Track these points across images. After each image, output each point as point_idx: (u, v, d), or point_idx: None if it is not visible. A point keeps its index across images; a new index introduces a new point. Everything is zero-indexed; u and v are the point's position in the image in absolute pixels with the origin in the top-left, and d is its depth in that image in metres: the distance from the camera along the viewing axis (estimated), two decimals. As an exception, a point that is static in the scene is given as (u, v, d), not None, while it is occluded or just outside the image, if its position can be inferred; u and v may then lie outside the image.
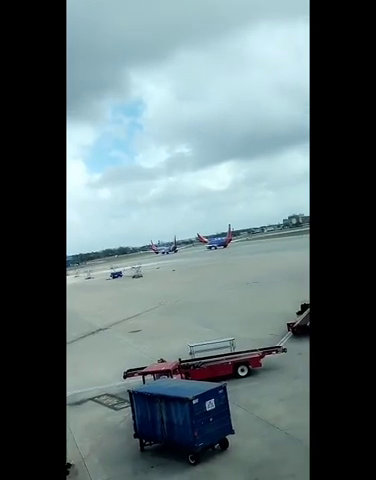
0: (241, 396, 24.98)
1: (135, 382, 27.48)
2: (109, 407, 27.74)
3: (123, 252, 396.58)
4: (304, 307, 40.02)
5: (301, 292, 40.06)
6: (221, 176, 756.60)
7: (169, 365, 26.56)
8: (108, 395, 29.73)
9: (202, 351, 31.82)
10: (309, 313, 37.09)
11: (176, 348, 34.78)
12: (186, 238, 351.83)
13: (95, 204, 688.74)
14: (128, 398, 22.62)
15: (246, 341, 33.67)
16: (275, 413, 22.63)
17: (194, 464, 19.01)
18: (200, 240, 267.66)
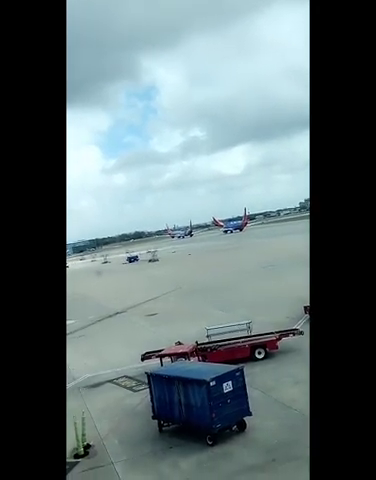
0: (258, 378, 25.14)
1: (153, 364, 27.75)
2: (127, 389, 28.08)
3: (139, 236, 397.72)
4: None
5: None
6: (235, 160, 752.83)
7: (186, 348, 26.77)
8: (126, 377, 30.08)
9: (219, 334, 32.00)
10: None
11: (193, 331, 34.97)
12: (202, 222, 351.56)
13: (110, 189, 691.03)
14: (146, 380, 22.88)
15: (263, 324, 33.72)
16: (292, 395, 22.74)
17: (212, 445, 19.25)
18: (216, 224, 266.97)
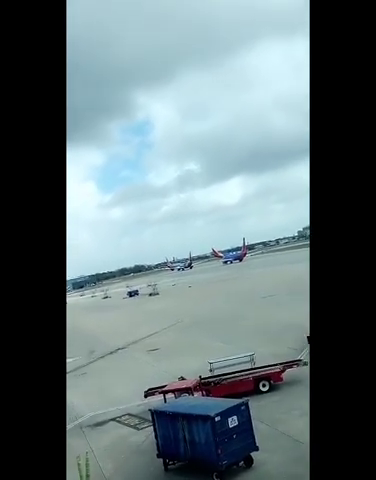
0: (264, 412, 24.73)
1: (156, 401, 27.34)
2: (131, 427, 27.60)
3: (138, 270, 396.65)
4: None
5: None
6: (231, 191, 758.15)
7: (189, 383, 26.43)
8: (130, 415, 29.61)
9: (222, 367, 31.60)
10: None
11: (196, 365, 34.58)
12: (201, 253, 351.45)
13: (108, 224, 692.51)
14: (150, 417, 22.52)
15: (266, 355, 33.40)
16: (299, 428, 22.30)
17: (219, 482, 18.81)
18: (215, 255, 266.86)
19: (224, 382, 29.25)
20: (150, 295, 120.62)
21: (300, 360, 31.10)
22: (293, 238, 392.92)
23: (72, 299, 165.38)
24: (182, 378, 29.51)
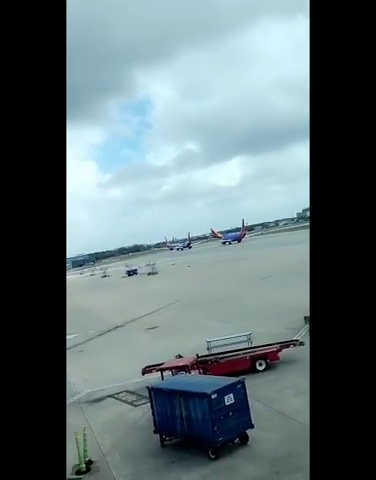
0: (260, 390, 24.99)
1: (153, 378, 27.60)
2: (128, 404, 27.89)
3: (137, 250, 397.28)
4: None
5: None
6: (231, 172, 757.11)
7: (187, 361, 26.64)
8: (127, 392, 29.90)
9: (219, 346, 31.88)
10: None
11: (193, 344, 34.84)
12: (200, 234, 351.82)
13: (107, 203, 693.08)
14: (147, 394, 22.75)
15: (263, 335, 33.63)
16: (294, 406, 22.60)
17: (214, 459, 19.09)
18: (214, 236, 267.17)
19: (221, 361, 29.48)
20: (149, 274, 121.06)
21: (297, 340, 31.31)
22: (292, 220, 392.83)
23: (71, 277, 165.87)
24: (179, 356, 29.75)
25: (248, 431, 20.13)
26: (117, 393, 30.08)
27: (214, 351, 31.35)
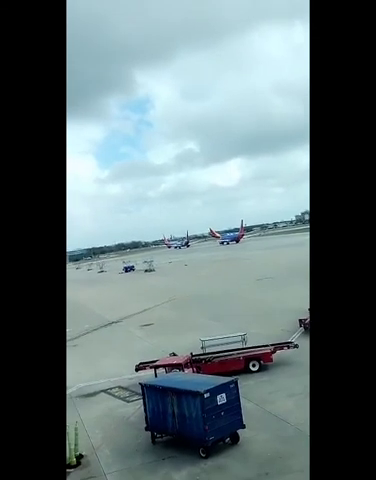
0: (252, 391, 25.07)
1: (147, 375, 27.65)
2: (121, 399, 27.95)
3: (135, 246, 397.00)
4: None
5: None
6: (229, 173, 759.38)
7: (181, 359, 26.69)
8: (120, 387, 29.96)
9: (214, 345, 31.95)
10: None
11: (188, 342, 34.91)
12: (199, 233, 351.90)
13: (106, 199, 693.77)
14: (140, 391, 22.80)
15: (258, 336, 33.70)
16: (285, 408, 22.69)
17: (205, 457, 19.14)
18: (212, 235, 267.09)
19: (215, 360, 29.55)
20: (146, 271, 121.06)
21: (291, 342, 31.42)
22: (291, 222, 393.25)
23: (68, 272, 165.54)
24: (174, 354, 29.82)
25: (239, 431, 20.19)
26: (110, 388, 30.13)
27: (208, 350, 31.41)
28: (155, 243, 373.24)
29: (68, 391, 30.21)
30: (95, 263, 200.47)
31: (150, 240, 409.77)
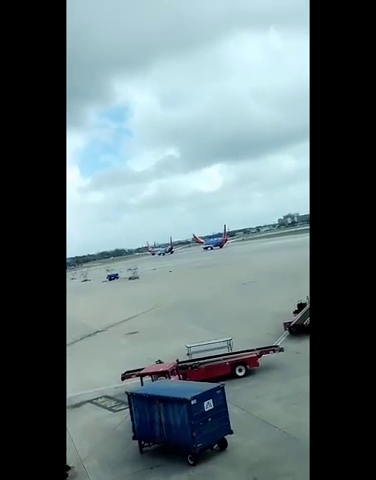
0: (239, 396, 25.01)
1: (133, 384, 27.47)
2: (107, 409, 27.74)
3: (119, 254, 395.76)
4: (300, 306, 40.16)
5: (297, 291, 40.27)
6: (211, 178, 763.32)
7: (167, 366, 26.56)
8: (106, 397, 29.72)
9: (199, 352, 31.86)
10: (305, 312, 37.23)
11: (173, 349, 34.78)
12: (182, 239, 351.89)
13: (88, 207, 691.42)
14: (126, 400, 22.62)
15: (243, 341, 33.69)
16: (273, 412, 22.68)
17: (193, 464, 19.03)
18: (196, 241, 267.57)
19: (201, 366, 29.47)
20: (130, 279, 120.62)
21: (276, 346, 31.49)
22: (274, 226, 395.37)
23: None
24: (159, 361, 29.65)
25: (227, 437, 20.12)
26: (96, 398, 29.89)
27: (194, 356, 31.32)
28: (139, 250, 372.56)
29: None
30: (79, 272, 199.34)
31: (134, 247, 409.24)
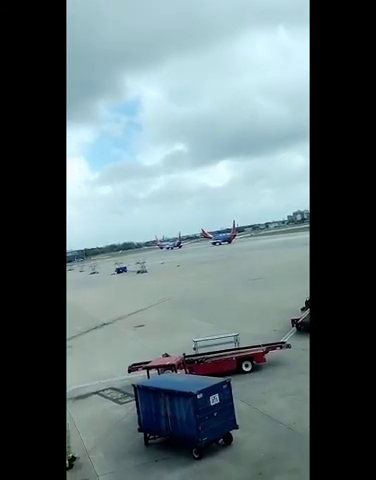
0: (245, 391, 25.04)
1: (139, 376, 27.59)
2: (113, 401, 27.87)
3: (127, 247, 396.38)
4: (308, 303, 40.07)
5: (305, 288, 40.07)
6: (219, 174, 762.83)
7: (173, 360, 26.63)
8: (113, 389, 29.87)
9: (206, 346, 31.91)
10: (309, 310, 37.18)
11: (180, 343, 34.84)
12: (191, 234, 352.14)
13: (97, 200, 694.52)
14: (132, 392, 22.73)
15: (250, 336, 33.71)
16: (279, 408, 22.71)
17: (198, 458, 19.11)
18: (204, 236, 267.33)
19: (207, 361, 29.54)
20: (138, 272, 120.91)
21: (284, 342, 31.48)
22: (282, 222, 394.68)
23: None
24: (166, 355, 29.74)
25: (232, 432, 20.19)
26: (102, 390, 30.04)
27: (201, 351, 31.39)
28: (147, 244, 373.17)
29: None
30: (87, 265, 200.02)
31: (142, 241, 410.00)
